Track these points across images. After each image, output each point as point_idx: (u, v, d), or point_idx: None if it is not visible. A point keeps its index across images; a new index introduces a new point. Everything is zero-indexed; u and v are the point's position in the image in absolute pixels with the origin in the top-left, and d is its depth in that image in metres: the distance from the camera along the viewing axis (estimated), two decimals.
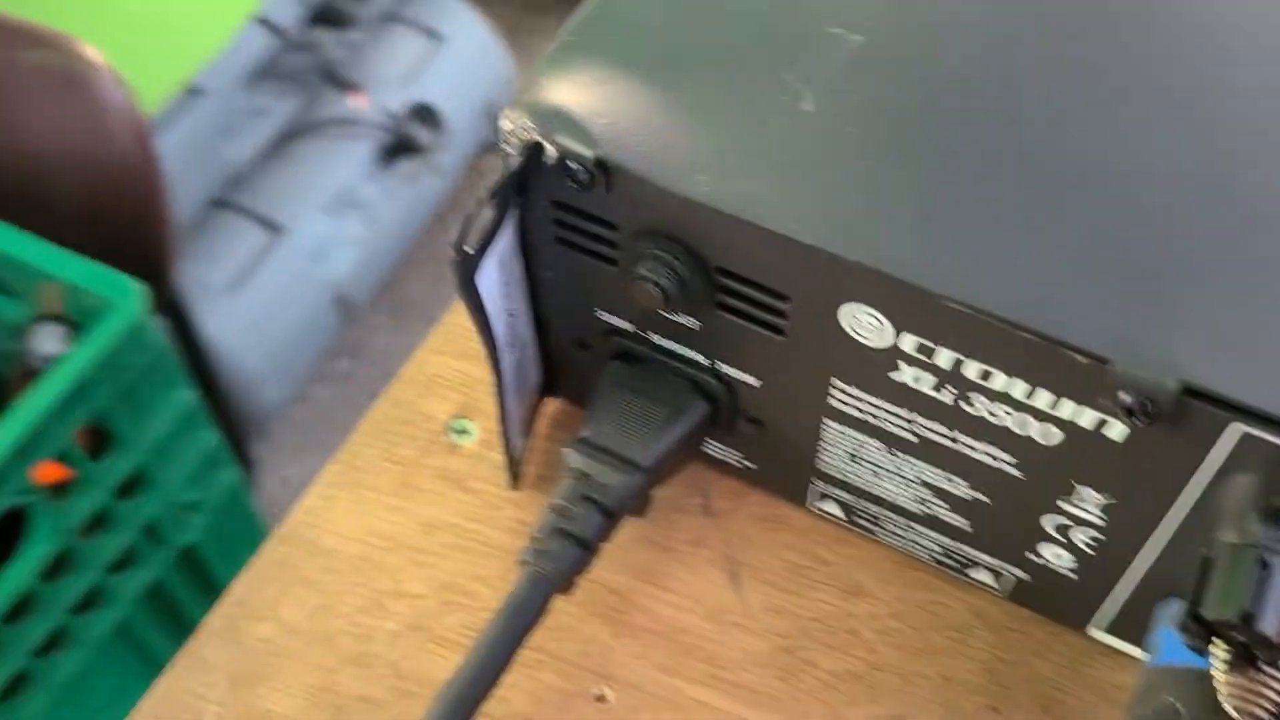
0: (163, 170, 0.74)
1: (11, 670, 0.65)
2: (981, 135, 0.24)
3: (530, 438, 0.32)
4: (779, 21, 0.26)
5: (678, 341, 0.28)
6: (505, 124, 0.25)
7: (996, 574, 0.29)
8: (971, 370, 0.24)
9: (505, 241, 0.26)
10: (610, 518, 0.27)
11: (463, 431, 0.33)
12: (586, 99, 0.25)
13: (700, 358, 0.28)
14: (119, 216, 0.73)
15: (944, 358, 0.24)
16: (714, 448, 0.31)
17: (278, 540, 0.31)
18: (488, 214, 0.25)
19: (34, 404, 0.59)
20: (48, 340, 0.68)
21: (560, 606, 0.30)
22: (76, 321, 0.67)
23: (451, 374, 0.34)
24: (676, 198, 0.24)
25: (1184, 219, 0.23)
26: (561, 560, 0.27)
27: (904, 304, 0.23)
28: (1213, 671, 0.22)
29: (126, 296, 0.63)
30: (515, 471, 0.31)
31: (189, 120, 1.03)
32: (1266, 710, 0.22)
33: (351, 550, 0.31)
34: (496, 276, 0.26)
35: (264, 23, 1.06)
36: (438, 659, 0.29)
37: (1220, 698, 0.22)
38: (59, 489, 0.67)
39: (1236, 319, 0.22)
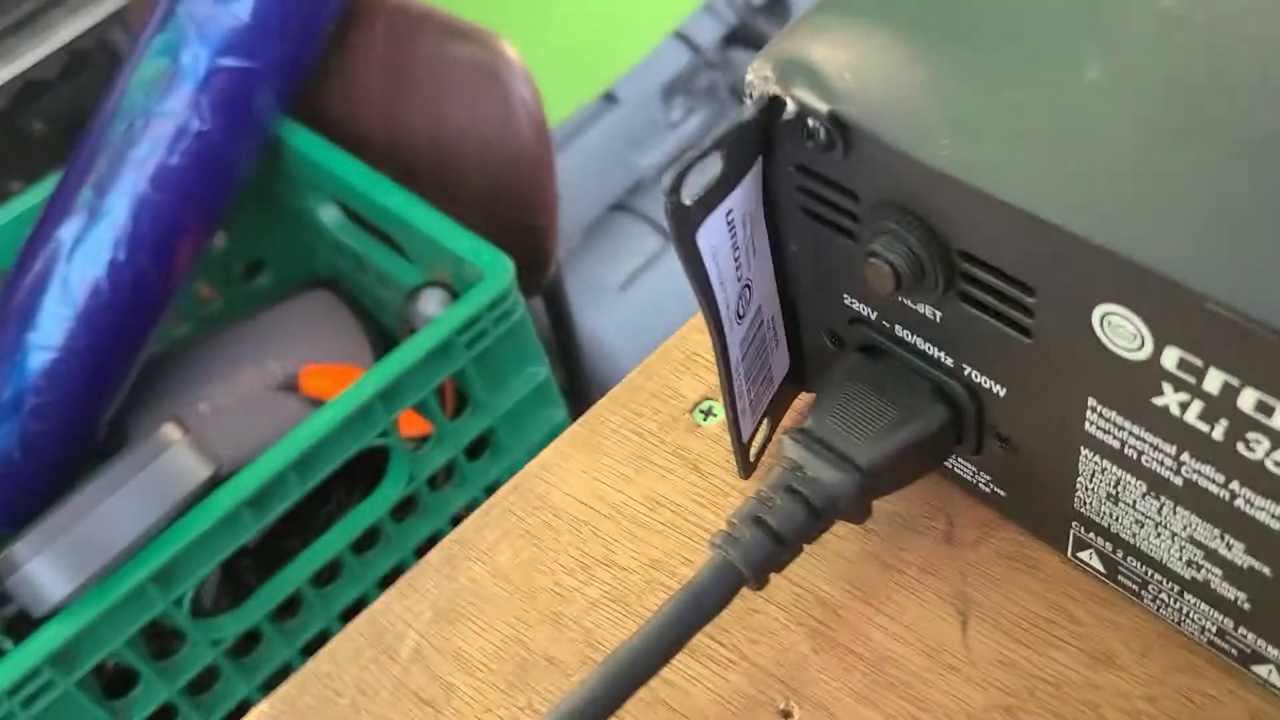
0: (555, 169, 0.79)
1: (355, 596, 0.71)
2: None
3: (774, 429, 0.30)
4: None
5: (920, 335, 0.25)
6: (749, 75, 0.24)
7: None
8: (1247, 401, 0.19)
9: (741, 201, 0.24)
10: (816, 516, 0.25)
11: (709, 413, 0.31)
12: (839, 53, 0.23)
13: (943, 356, 0.25)
14: (514, 205, 0.79)
15: (1214, 381, 0.19)
16: (963, 467, 0.27)
17: (510, 488, 0.31)
18: (716, 166, 0.23)
19: (403, 356, 0.65)
20: (431, 303, 0.74)
21: (763, 608, 0.28)
22: (456, 290, 0.72)
23: (709, 353, 0.32)
24: (915, 164, 0.21)
25: None
26: (752, 550, 0.25)
27: (1167, 308, 0.19)
28: None
29: (498, 271, 0.68)
30: (746, 459, 0.29)
31: (603, 126, 1.09)
32: None
33: (574, 511, 0.30)
34: (726, 237, 0.25)
35: (683, 39, 1.10)
36: (629, 634, 0.28)
37: None
38: (419, 442, 0.72)
39: None
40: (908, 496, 0.29)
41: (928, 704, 0.26)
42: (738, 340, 0.26)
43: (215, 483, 0.63)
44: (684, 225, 0.23)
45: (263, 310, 0.85)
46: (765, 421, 0.29)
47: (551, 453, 0.32)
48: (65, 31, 0.98)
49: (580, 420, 0.32)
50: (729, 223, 0.25)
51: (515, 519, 0.31)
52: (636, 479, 0.31)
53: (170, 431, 0.62)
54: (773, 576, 0.25)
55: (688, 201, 0.23)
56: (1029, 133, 0.21)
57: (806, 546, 0.25)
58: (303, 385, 0.82)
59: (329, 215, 0.81)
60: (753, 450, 0.29)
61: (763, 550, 0.25)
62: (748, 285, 0.26)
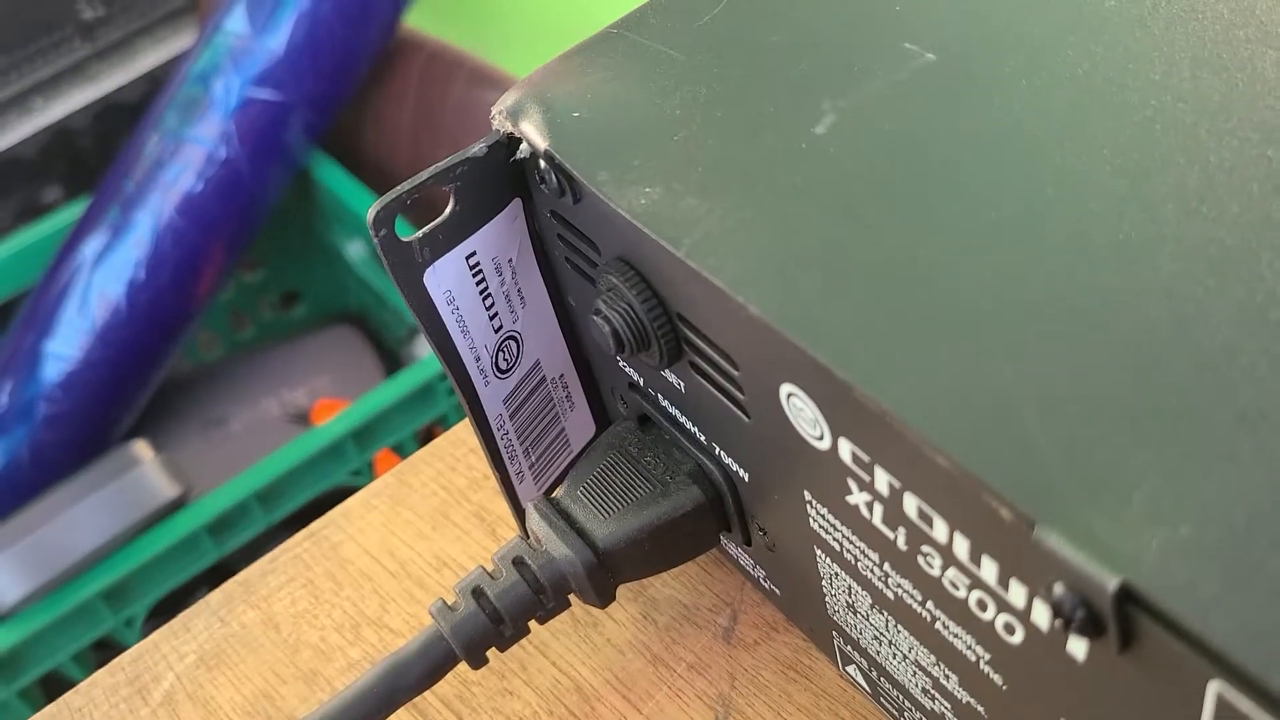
0: None
1: None
2: (1003, 214, 0.17)
3: None
4: (845, 30, 0.21)
5: (676, 407, 0.23)
6: (492, 110, 0.22)
7: None
8: (911, 506, 0.16)
9: (491, 245, 0.23)
10: (543, 594, 0.23)
11: None
12: (578, 93, 0.21)
13: (697, 431, 0.23)
14: None
15: (882, 481, 0.17)
16: (745, 559, 0.25)
17: (306, 534, 0.30)
18: (450, 206, 0.22)
19: (380, 396, 0.64)
20: (423, 344, 0.74)
21: (519, 690, 0.25)
22: None
23: None
24: (617, 215, 0.19)
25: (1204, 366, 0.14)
26: (463, 625, 0.22)
27: (829, 393, 0.17)
28: None
29: None
30: (525, 526, 0.27)
31: None
32: None
33: (361, 564, 0.29)
34: (467, 282, 0.23)
35: None
36: None
37: None
38: None
39: (1256, 504, 0.13)
40: (698, 585, 0.26)
41: None
42: (499, 396, 0.25)
43: (182, 506, 0.63)
44: (400, 262, 0.21)
45: (288, 340, 0.86)
46: None
47: (357, 501, 0.30)
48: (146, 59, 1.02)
49: (394, 470, 0.30)
50: (473, 267, 0.23)
51: (302, 567, 0.29)
52: (431, 536, 0.29)
53: (140, 449, 0.62)
54: (537, 653, 0.23)
55: (406, 238, 0.21)
56: (736, 191, 0.19)
57: (579, 624, 0.23)
58: (314, 417, 0.82)
59: (355, 250, 0.82)
60: None
61: (475, 626, 0.23)
62: (512, 338, 0.24)
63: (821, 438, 0.18)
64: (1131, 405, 0.14)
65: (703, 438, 0.23)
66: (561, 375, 0.26)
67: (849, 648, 0.22)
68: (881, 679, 0.22)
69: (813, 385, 0.17)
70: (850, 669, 0.23)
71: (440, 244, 0.22)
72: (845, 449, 0.17)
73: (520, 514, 0.26)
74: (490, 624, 0.23)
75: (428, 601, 0.28)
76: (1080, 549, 0.13)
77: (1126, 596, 0.13)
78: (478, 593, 0.23)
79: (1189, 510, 0.13)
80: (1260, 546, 0.13)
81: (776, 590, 0.24)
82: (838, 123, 0.19)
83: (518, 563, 0.23)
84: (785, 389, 0.18)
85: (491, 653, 0.23)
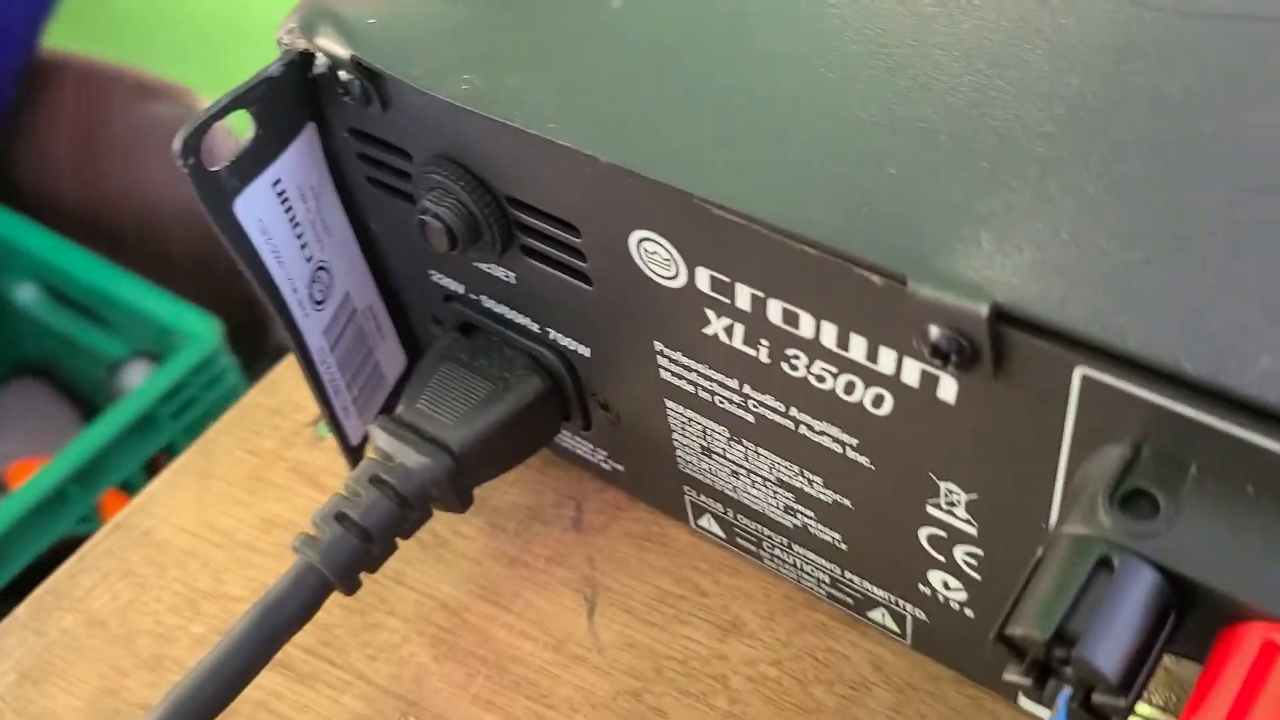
0: None
1: None
2: (796, 42, 0.19)
3: None
4: None
5: (505, 303, 0.24)
6: (278, 33, 0.22)
7: (896, 614, 0.22)
8: (775, 312, 0.18)
9: (294, 171, 0.22)
10: (406, 507, 0.23)
11: None
12: (365, 2, 0.22)
13: (529, 322, 0.23)
14: (224, 265, 0.75)
15: (744, 296, 0.18)
16: (582, 446, 0.26)
17: (110, 527, 0.28)
18: (251, 130, 0.22)
19: (97, 434, 0.60)
20: (134, 375, 0.69)
21: (383, 621, 0.25)
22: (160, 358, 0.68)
23: None
24: (441, 104, 0.20)
25: (1006, 104, 0.17)
26: (334, 550, 0.22)
27: (686, 223, 0.18)
28: None
29: (202, 334, 0.64)
30: (356, 459, 0.27)
31: None
32: None
33: (181, 543, 0.27)
34: (277, 211, 0.22)
35: None
36: None
37: None
38: None
39: (1076, 225, 0.16)
40: (538, 488, 0.27)
41: (553, 699, 0.24)
42: (318, 328, 0.24)
43: None
44: (210, 192, 0.21)
45: None
46: None
47: (159, 485, 0.29)
48: None
49: (192, 446, 0.29)
50: (280, 194, 0.22)
51: (115, 560, 0.27)
52: (250, 501, 0.28)
53: None
54: (393, 584, 0.23)
55: (215, 167, 0.21)
56: (551, 62, 0.20)
57: (428, 548, 0.23)
58: (10, 482, 0.75)
59: (27, 294, 0.75)
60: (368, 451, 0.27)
61: (346, 549, 0.22)
62: (322, 268, 0.24)
63: (675, 276, 0.19)
64: (959, 173, 0.17)
65: (535, 327, 0.23)
66: (370, 306, 0.26)
67: (703, 497, 0.24)
68: (739, 517, 0.24)
69: (667, 222, 0.18)
70: (704, 520, 0.25)
71: (248, 171, 0.22)
72: (703, 277, 0.19)
73: (351, 449, 0.26)
74: (360, 544, 0.22)
75: (262, 564, 0.27)
76: (951, 289, 0.15)
77: (999, 316, 0.15)
78: (340, 517, 0.23)
79: (1026, 241, 0.16)
80: (1088, 255, 0.15)
81: (620, 468, 0.26)
82: None
83: (375, 481, 0.23)
84: (636, 237, 0.19)
85: (339, 597, 0.23)
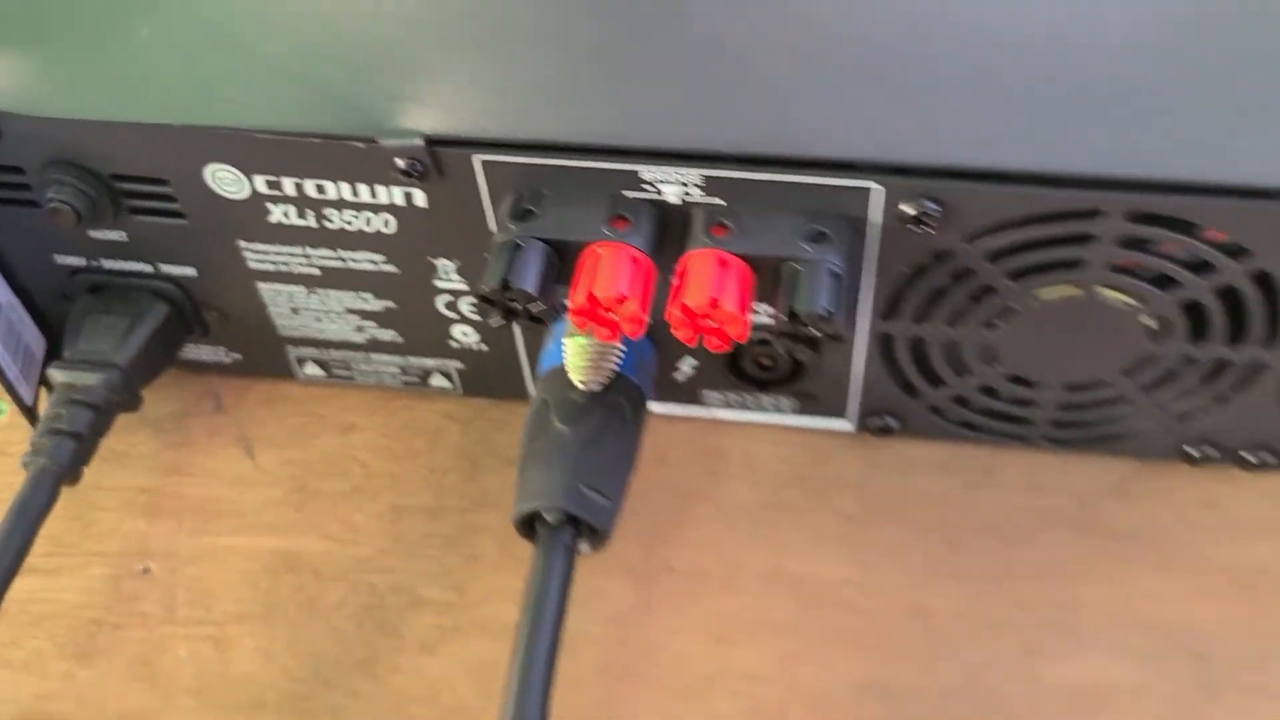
0: None
1: None
2: None
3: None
4: None
5: (122, 258, 0.33)
6: None
7: (445, 374, 0.35)
8: (310, 189, 0.30)
9: None
10: (98, 412, 0.32)
11: None
12: None
13: (144, 266, 0.33)
14: None
15: (289, 185, 0.30)
16: (209, 353, 0.36)
17: None
18: None
19: None
20: None
21: (98, 518, 0.34)
22: None
23: None
24: (40, 120, 0.30)
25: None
26: (58, 453, 0.31)
27: (237, 149, 0.29)
28: (564, 354, 0.29)
29: None
30: (35, 419, 0.35)
31: None
32: (608, 374, 0.30)
33: None
34: None
35: None
36: None
37: (570, 374, 0.29)
38: None
39: (475, 72, 0.29)
40: (182, 395, 0.37)
41: (244, 511, 0.34)
42: None
43: None
44: None
45: None
46: None
47: None
48: None
49: None
50: None
51: None
52: None
53: None
54: (94, 490, 0.32)
55: None
56: (98, 59, 0.30)
57: (112, 460, 0.33)
58: None
59: None
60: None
61: (67, 450, 0.32)
62: None
63: (241, 189, 0.30)
64: (398, 56, 0.29)
65: (150, 269, 0.33)
66: (8, 302, 0.35)
67: (300, 348, 0.35)
68: (329, 352, 0.35)
69: (228, 153, 0.29)
70: (308, 368, 0.36)
71: None
72: (260, 183, 0.30)
73: (29, 409, 0.35)
74: (74, 444, 0.32)
75: None
76: (401, 136, 0.28)
77: (429, 142, 0.28)
78: (54, 430, 0.32)
79: (442, 92, 0.29)
80: (474, 94, 0.29)
81: (239, 356, 0.36)
82: None
83: (69, 401, 0.32)
84: (209, 170, 0.30)
85: (59, 510, 0.32)
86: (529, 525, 0.29)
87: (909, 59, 0.28)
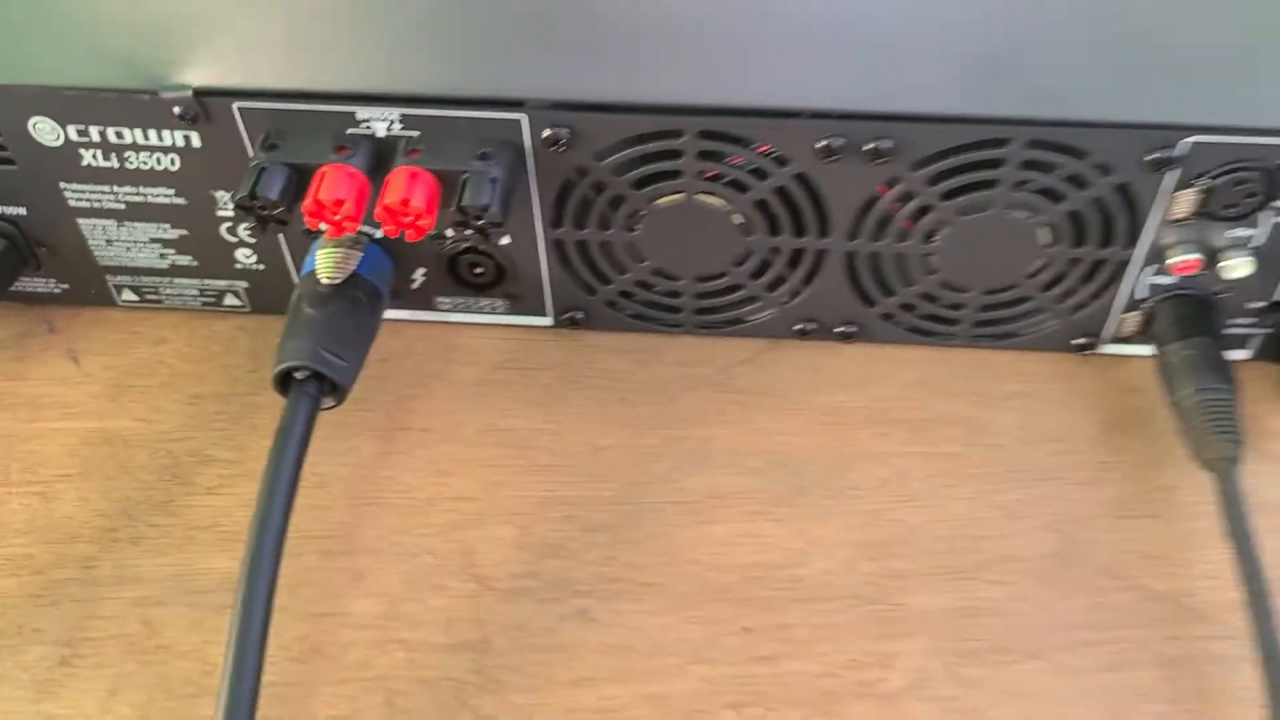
0: None
1: None
2: None
3: None
4: None
5: None
6: None
7: (235, 294, 0.44)
8: (111, 135, 0.39)
9: None
10: None
11: None
12: None
13: None
14: None
15: (94, 133, 0.39)
16: (44, 286, 0.45)
17: None
18: None
19: None
20: None
21: None
22: None
23: None
24: None
25: None
26: None
27: (53, 103, 0.39)
28: (315, 260, 0.39)
29: None
30: None
31: None
32: (346, 272, 0.39)
33: None
34: None
35: None
36: None
37: (318, 274, 0.39)
38: None
39: (235, 35, 0.39)
40: (20, 322, 0.45)
41: (74, 405, 0.43)
42: None
43: None
44: None
45: None
46: None
47: None
48: None
49: None
50: None
51: None
52: None
53: None
54: None
55: None
56: None
57: None
58: None
59: None
60: None
61: None
62: None
63: (57, 138, 0.39)
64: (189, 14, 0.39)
65: None
66: None
67: (119, 277, 0.44)
68: (141, 279, 0.44)
69: (44, 107, 0.39)
70: (125, 295, 0.45)
71: None
72: (72, 131, 0.39)
73: None
74: None
75: None
76: (174, 87, 0.37)
77: (197, 93, 0.37)
78: None
79: (233, 47, 0.38)
80: (246, 50, 0.38)
81: (66, 286, 0.45)
82: None
83: None
84: (30, 121, 0.39)
85: None
86: (284, 383, 0.38)
87: (554, 18, 0.38)
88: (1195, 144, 0.35)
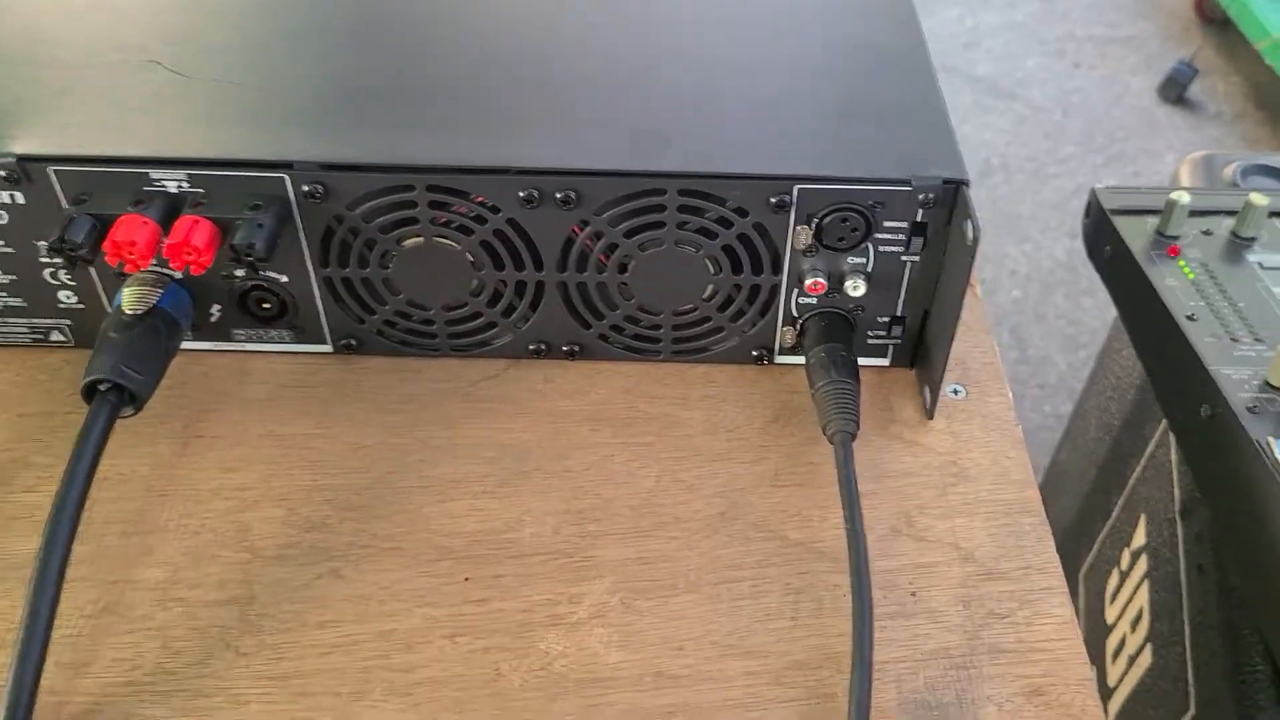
0: None
1: None
2: None
3: None
4: None
5: None
6: None
7: (60, 330, 0.53)
8: None
9: None
10: None
11: None
12: None
13: None
14: None
15: None
16: None
17: None
18: None
19: None
20: None
21: None
22: None
23: None
24: None
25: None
26: None
27: None
28: (122, 296, 0.47)
29: None
30: None
31: None
32: (147, 305, 0.48)
33: None
34: None
35: None
36: None
37: (123, 305, 0.48)
38: None
39: (57, 112, 0.48)
40: None
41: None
42: None
43: None
44: None
45: None
46: None
47: None
48: None
49: None
50: None
51: None
52: None
53: None
54: None
55: None
56: None
57: None
58: None
59: None
60: None
61: None
62: None
63: None
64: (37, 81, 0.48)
65: None
66: None
67: None
68: None
69: None
70: None
71: None
72: None
73: None
74: None
75: None
76: (3, 156, 0.46)
77: (21, 159, 0.46)
78: None
79: (53, 122, 0.47)
80: (62, 122, 0.47)
81: None
82: None
83: None
84: None
85: None
86: (90, 394, 0.46)
87: (311, 98, 0.48)
88: (801, 190, 0.46)
